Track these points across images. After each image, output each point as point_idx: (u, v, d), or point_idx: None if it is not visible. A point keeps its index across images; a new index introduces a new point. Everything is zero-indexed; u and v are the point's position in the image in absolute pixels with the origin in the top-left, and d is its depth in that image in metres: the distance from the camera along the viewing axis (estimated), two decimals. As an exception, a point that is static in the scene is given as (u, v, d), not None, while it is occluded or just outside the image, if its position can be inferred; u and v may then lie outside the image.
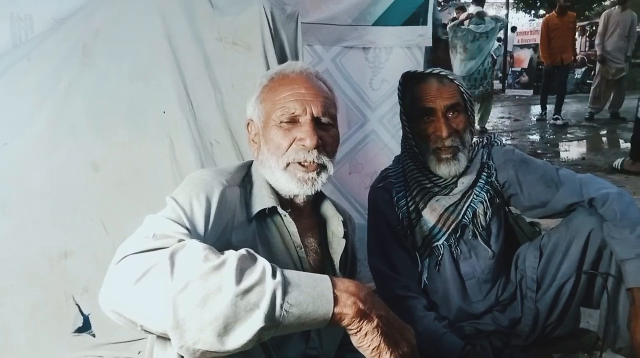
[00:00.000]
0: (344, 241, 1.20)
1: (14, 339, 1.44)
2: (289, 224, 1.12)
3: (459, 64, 6.32)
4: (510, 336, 1.57)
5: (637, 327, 1.30)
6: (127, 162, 1.49)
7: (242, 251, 0.83)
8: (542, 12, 14.24)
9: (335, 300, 0.81)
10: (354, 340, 0.84)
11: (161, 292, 0.76)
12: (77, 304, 1.49)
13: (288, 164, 1.09)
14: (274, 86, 1.14)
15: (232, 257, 0.80)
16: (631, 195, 1.47)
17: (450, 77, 1.51)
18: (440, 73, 1.51)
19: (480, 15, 6.17)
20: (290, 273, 0.82)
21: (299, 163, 1.09)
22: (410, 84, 1.55)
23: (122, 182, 1.49)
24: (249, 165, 1.20)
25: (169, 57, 1.52)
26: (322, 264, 1.21)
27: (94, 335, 1.50)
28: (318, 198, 1.22)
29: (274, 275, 0.79)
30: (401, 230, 1.57)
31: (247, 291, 0.76)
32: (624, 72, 7.37)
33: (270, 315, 0.75)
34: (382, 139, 2.54)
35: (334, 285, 0.82)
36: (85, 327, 1.50)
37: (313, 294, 0.80)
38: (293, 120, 1.09)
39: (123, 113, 1.51)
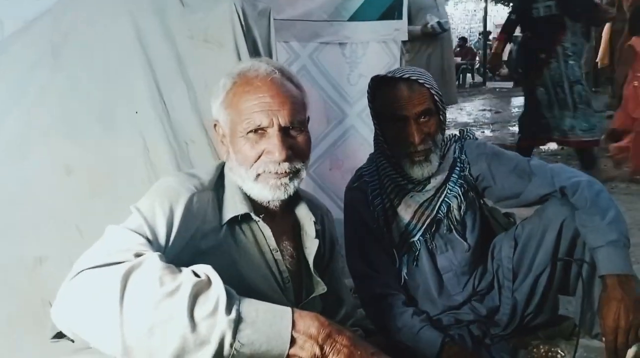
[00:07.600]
0: (317, 241, 1.18)
1: (-9, 348, 1.41)
2: (264, 228, 1.10)
3: None
4: (489, 325, 1.60)
5: (607, 313, 1.33)
6: (101, 164, 1.46)
7: (201, 273, 0.79)
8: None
9: (292, 342, 0.77)
10: None
11: (110, 315, 0.74)
12: (54, 310, 1.46)
13: (258, 175, 1.07)
14: (237, 92, 1.09)
15: (187, 282, 0.76)
16: (601, 183, 1.50)
17: (421, 81, 1.48)
18: (411, 78, 1.48)
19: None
20: (248, 308, 0.77)
21: (270, 172, 1.07)
22: (380, 88, 1.53)
23: (96, 184, 1.46)
24: (223, 166, 1.18)
25: (140, 57, 1.49)
26: (299, 266, 1.20)
27: (72, 340, 1.48)
28: (293, 199, 1.19)
29: (228, 309, 0.75)
30: (377, 228, 1.58)
31: (198, 323, 0.73)
32: None
33: (218, 353, 0.73)
34: (361, 133, 2.54)
35: (294, 325, 0.78)
36: (63, 332, 1.47)
37: (269, 333, 0.76)
38: (260, 131, 1.06)
39: (95, 115, 1.48)
